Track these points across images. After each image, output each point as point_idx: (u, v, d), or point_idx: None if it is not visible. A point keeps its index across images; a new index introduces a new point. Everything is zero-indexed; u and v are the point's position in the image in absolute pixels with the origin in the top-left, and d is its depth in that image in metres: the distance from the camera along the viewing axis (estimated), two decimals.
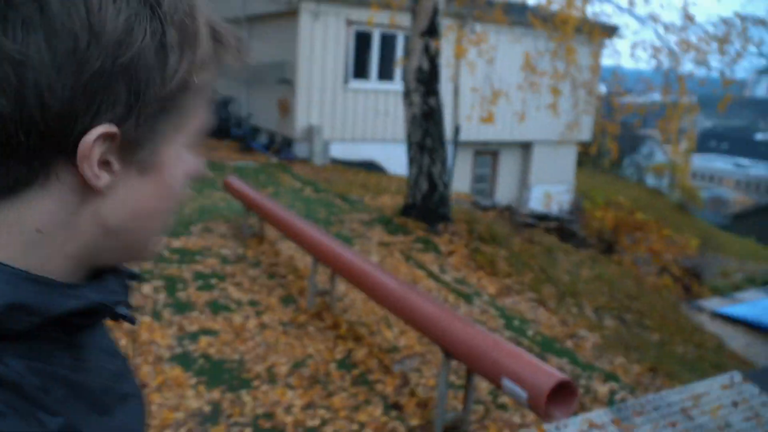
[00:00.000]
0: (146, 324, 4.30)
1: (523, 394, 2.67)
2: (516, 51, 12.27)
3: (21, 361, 0.48)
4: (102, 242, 0.54)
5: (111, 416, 0.57)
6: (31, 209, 0.49)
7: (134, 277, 0.64)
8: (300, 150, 11.99)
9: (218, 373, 3.84)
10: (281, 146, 12.44)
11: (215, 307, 4.73)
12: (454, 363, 3.75)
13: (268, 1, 12.09)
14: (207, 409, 3.47)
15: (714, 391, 3.42)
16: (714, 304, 9.51)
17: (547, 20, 6.56)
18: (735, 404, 3.26)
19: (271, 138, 13.08)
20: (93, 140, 0.48)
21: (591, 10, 6.55)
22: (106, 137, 0.49)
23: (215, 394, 3.61)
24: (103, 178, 0.50)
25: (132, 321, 0.60)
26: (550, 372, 2.60)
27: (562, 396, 2.68)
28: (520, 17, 10.66)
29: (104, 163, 0.50)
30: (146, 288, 4.89)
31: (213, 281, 5.22)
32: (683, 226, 14.87)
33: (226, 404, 3.53)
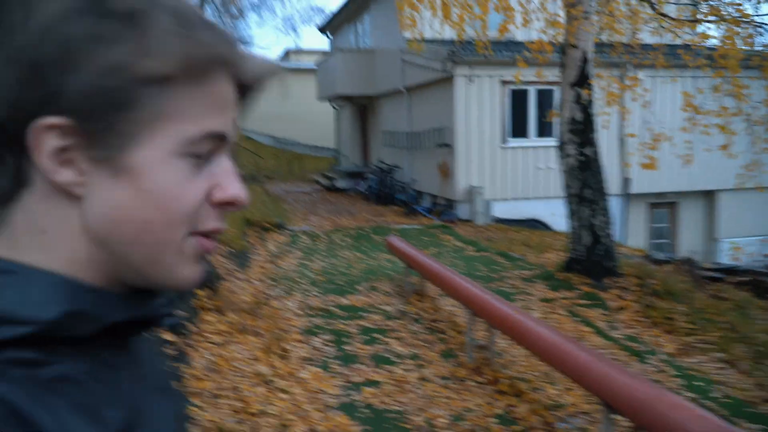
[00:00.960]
0: (315, 374, 4.61)
1: None
2: (675, 91, 11.52)
3: (83, 363, 0.53)
4: (98, 253, 0.55)
5: (147, 421, 0.59)
6: (29, 210, 0.53)
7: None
8: (461, 211, 12.19)
9: (380, 422, 3.97)
10: (443, 208, 12.76)
11: (378, 360, 4.93)
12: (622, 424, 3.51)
13: (425, 71, 12.78)
14: None
15: None
16: None
17: (702, 56, 6.15)
18: None
19: (433, 201, 13.49)
20: (39, 130, 0.50)
21: (759, 41, 6.02)
22: (53, 128, 0.50)
23: None
24: (63, 175, 0.52)
25: (179, 328, 0.68)
26: (723, 426, 2.35)
27: None
28: (676, 57, 10.09)
29: (67, 161, 0.52)
30: (317, 341, 5.26)
31: (376, 335, 5.45)
32: None
33: None
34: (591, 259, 6.55)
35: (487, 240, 10.19)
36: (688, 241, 13.65)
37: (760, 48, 6.12)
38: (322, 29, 21.41)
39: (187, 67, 0.53)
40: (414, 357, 5.02)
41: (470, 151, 12.01)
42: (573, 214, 6.71)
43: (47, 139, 0.51)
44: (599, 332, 5.67)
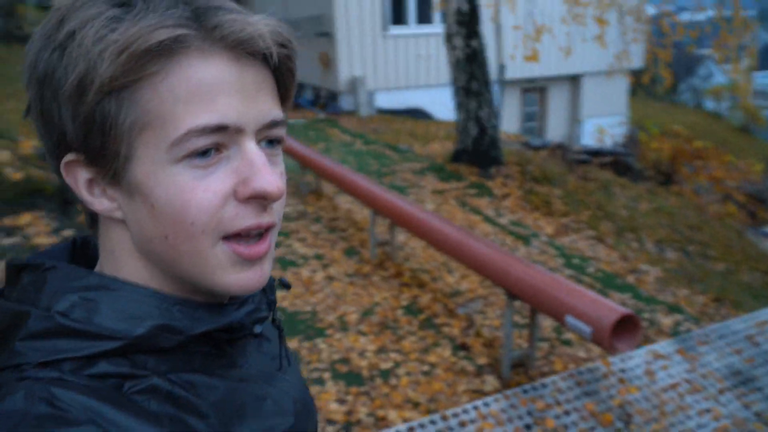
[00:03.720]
0: None
1: (587, 329, 2.77)
2: None
3: (173, 373, 0.55)
4: (154, 267, 0.57)
5: (246, 420, 0.59)
6: (102, 235, 0.59)
7: (285, 286, 0.72)
8: (345, 102, 12.04)
9: (294, 324, 4.09)
10: (327, 100, 12.51)
11: (284, 263, 4.97)
12: (517, 304, 3.88)
13: None
14: None
15: None
16: None
17: None
18: None
19: (316, 93, 13.16)
20: (64, 170, 0.55)
21: None
22: (71, 164, 0.54)
23: (293, 344, 3.86)
24: (99, 203, 0.55)
25: (270, 338, 0.68)
26: (612, 307, 2.69)
27: (626, 329, 2.77)
28: None
29: (100, 191, 0.55)
30: None
31: (279, 238, 5.45)
32: (747, 150, 14.29)
33: (304, 352, 3.78)
34: (478, 150, 6.84)
35: (373, 132, 10.24)
36: (556, 124, 14.62)
37: None
38: None
39: (122, 70, 0.49)
40: (318, 257, 5.12)
41: (351, 40, 11.67)
42: (460, 107, 6.88)
43: (74, 175, 0.55)
44: (488, 220, 6.07)
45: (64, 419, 0.47)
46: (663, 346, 3.14)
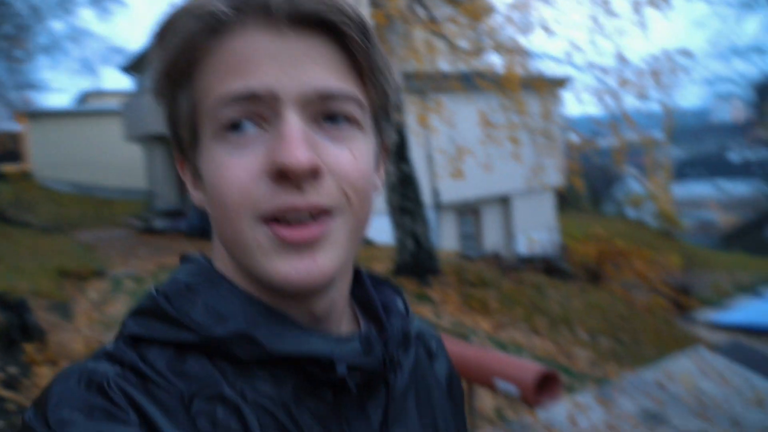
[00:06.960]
0: None
1: (513, 389, 3.06)
2: (473, 111, 13.16)
3: (250, 391, 0.50)
4: (234, 261, 0.54)
5: None
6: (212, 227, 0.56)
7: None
8: None
9: None
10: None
11: None
12: None
13: None
14: None
15: (685, 364, 3.78)
16: (706, 314, 9.87)
17: (494, 81, 7.35)
18: (704, 373, 3.62)
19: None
20: (178, 167, 0.58)
21: (534, 66, 7.46)
22: (178, 161, 0.57)
23: None
24: (196, 196, 0.56)
25: (352, 389, 0.52)
26: (532, 367, 3.01)
27: (549, 385, 3.08)
28: (471, 82, 11.60)
29: (198, 185, 0.55)
30: None
31: None
32: (667, 250, 15.38)
33: None
34: (416, 262, 7.32)
35: None
36: (491, 240, 15.47)
37: (533, 71, 7.49)
38: (128, 69, 20.38)
39: (170, 56, 0.51)
40: None
41: None
42: (397, 225, 7.45)
43: (184, 172, 0.57)
44: (429, 323, 6.37)
45: (113, 416, 0.45)
46: (584, 396, 3.40)
